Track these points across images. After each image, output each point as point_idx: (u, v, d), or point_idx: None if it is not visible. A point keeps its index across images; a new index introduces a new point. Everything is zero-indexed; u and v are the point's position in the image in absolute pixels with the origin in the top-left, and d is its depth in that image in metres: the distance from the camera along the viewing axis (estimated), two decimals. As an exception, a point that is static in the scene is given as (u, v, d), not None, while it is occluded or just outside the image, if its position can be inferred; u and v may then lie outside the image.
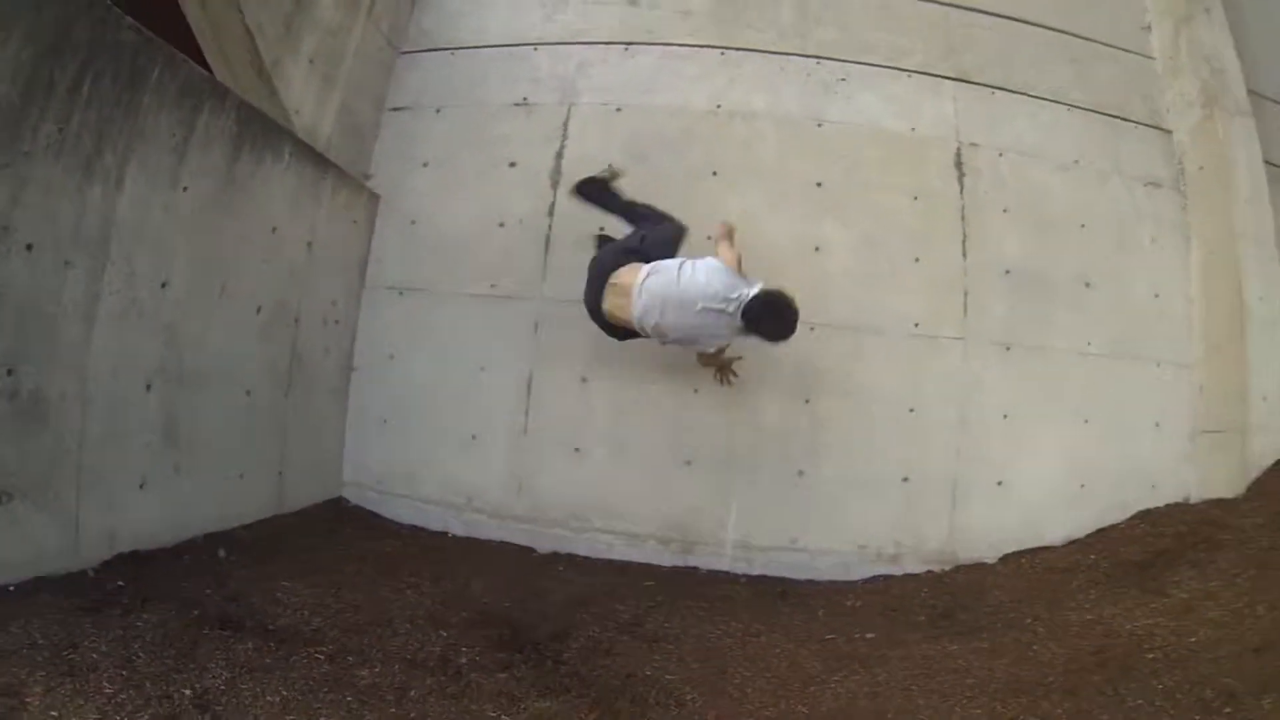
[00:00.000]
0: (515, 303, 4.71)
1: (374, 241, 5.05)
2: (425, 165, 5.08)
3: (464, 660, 3.05)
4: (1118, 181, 4.94)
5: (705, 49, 5.00)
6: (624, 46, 5.06)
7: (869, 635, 3.61)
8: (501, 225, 4.89)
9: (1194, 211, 4.93)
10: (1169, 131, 5.12)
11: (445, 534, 4.58)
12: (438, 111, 5.16)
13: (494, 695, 2.78)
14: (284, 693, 2.59)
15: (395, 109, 5.26)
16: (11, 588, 2.91)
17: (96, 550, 3.32)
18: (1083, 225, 4.83)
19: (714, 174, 4.82)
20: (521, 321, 4.70)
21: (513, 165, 4.96)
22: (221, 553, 3.78)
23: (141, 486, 3.55)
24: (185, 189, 3.67)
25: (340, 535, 4.38)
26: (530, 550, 4.49)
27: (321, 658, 2.86)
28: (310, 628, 3.14)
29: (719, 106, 4.91)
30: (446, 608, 3.56)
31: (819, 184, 4.75)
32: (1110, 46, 5.22)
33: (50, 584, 3.03)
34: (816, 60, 4.93)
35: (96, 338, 3.30)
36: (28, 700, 2.31)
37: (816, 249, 4.69)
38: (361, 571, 3.86)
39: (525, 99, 5.07)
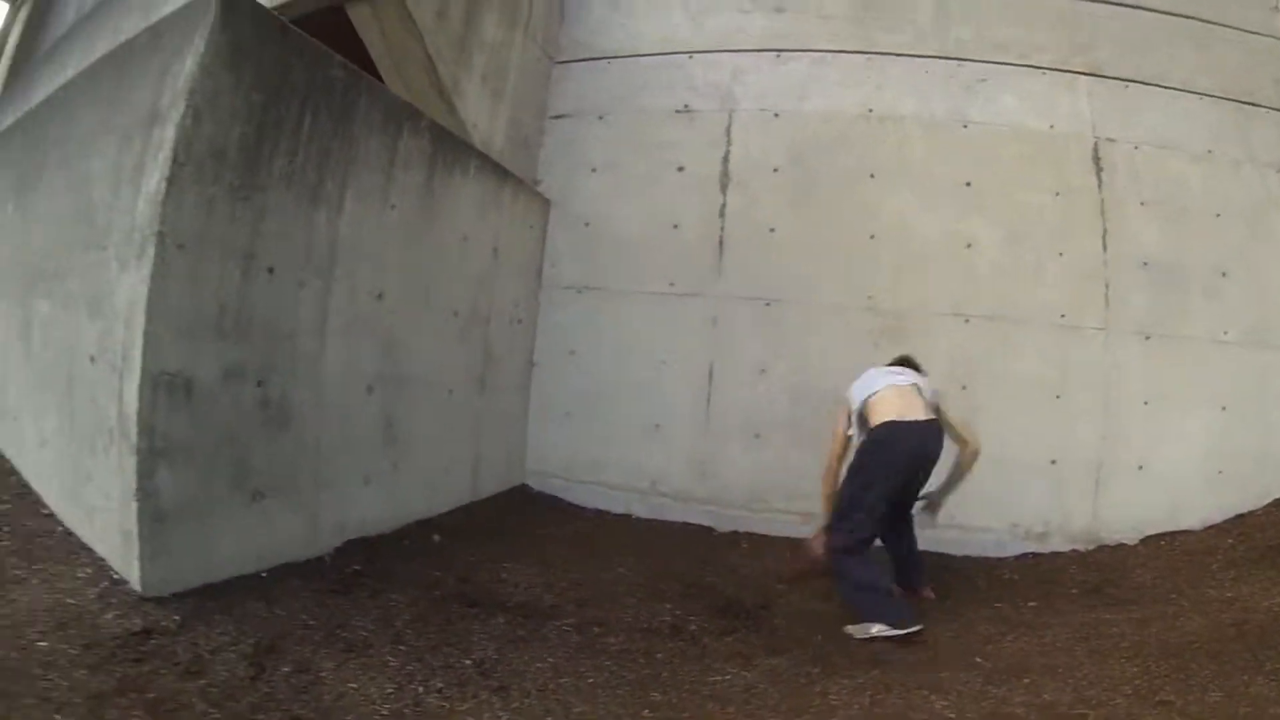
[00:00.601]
0: (693, 299, 4.58)
1: (548, 244, 4.89)
2: (594, 170, 4.92)
3: (693, 627, 3.09)
4: (1250, 169, 4.50)
5: (850, 54, 4.70)
6: (775, 54, 4.79)
7: (1031, 604, 3.53)
8: (676, 227, 4.71)
9: (1330, 197, 4.59)
10: (1302, 114, 4.80)
11: (629, 516, 4.49)
12: (600, 118, 4.99)
13: (728, 655, 2.84)
14: (550, 659, 2.65)
15: (556, 116, 5.09)
16: (264, 574, 2.89)
17: (330, 539, 3.30)
18: (1217, 215, 4.43)
19: (871, 176, 4.57)
20: (700, 317, 4.55)
21: (681, 170, 4.78)
22: (436, 538, 3.74)
23: (366, 482, 3.50)
24: (393, 207, 3.59)
25: (533, 519, 4.34)
26: (710, 530, 4.41)
27: (569, 629, 2.93)
28: (546, 604, 3.18)
29: (870, 111, 4.64)
30: (659, 582, 3.57)
31: (967, 184, 4.49)
32: (1237, 29, 4.71)
33: (295, 570, 3.02)
34: (958, 62, 4.62)
35: (328, 349, 3.24)
36: (322, 675, 2.30)
37: (967, 245, 4.45)
38: (567, 552, 3.85)
39: (686, 106, 4.85)
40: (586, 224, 4.81)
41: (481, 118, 4.34)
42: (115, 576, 2.56)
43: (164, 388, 2.51)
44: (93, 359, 2.78)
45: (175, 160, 2.50)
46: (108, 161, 2.98)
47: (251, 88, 2.78)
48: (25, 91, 7.61)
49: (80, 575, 2.58)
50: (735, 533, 4.39)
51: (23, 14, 16.10)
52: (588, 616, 3.08)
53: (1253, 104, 4.62)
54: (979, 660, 2.83)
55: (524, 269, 4.75)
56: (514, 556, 3.65)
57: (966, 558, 4.16)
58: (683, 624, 3.12)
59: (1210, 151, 4.49)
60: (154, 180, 2.55)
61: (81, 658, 2.13)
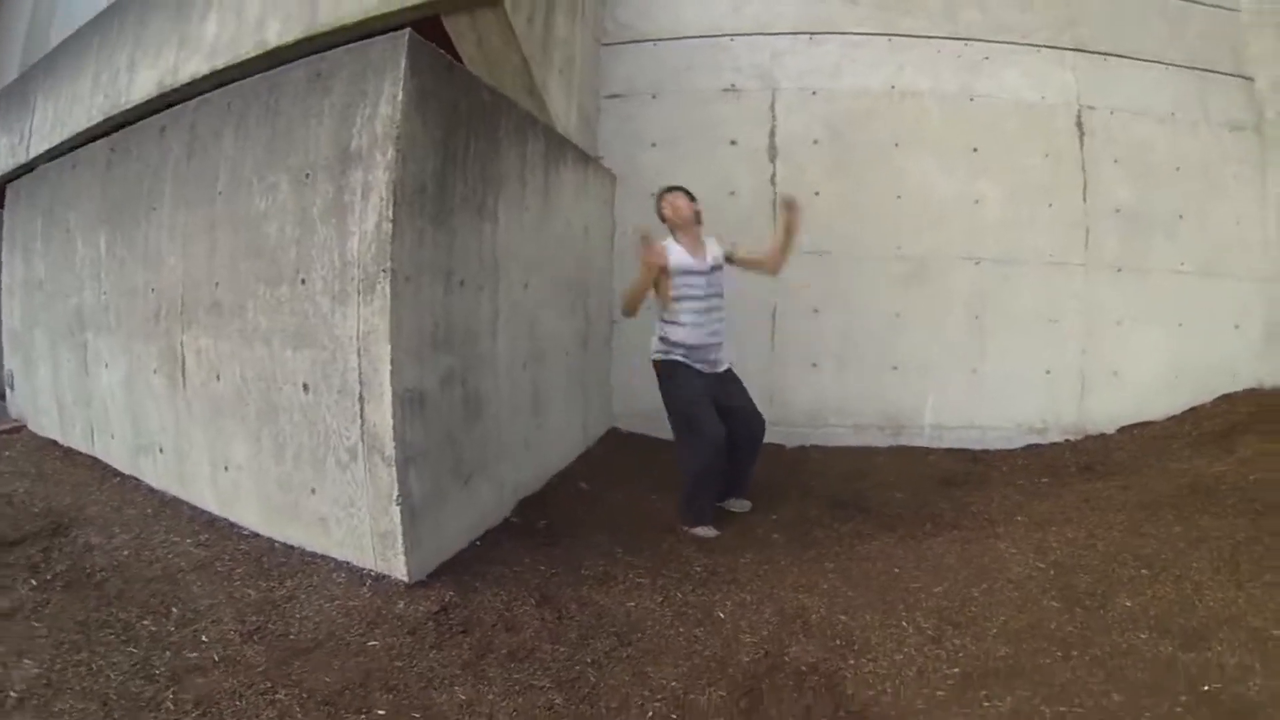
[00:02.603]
0: None
1: (616, 215, 5.04)
2: (654, 145, 5.02)
3: (821, 518, 3.67)
4: (1205, 128, 4.90)
5: (875, 36, 4.88)
6: (809, 36, 4.91)
7: (1043, 480, 4.15)
8: (732, 194, 4.92)
9: (1270, 151, 4.95)
10: (1251, 79, 5.02)
11: None
12: (654, 97, 5.05)
13: (856, 534, 3.44)
14: (745, 556, 3.19)
15: (610, 96, 5.15)
16: (478, 542, 3.15)
17: (509, 501, 3.52)
18: (1177, 169, 4.85)
19: (895, 145, 4.84)
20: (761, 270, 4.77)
21: (733, 143, 4.94)
22: (583, 485, 3.98)
23: (526, 446, 3.69)
24: (527, 208, 3.65)
25: (636, 456, 4.67)
26: (782, 446, 4.76)
27: (737, 535, 3.49)
28: (714, 516, 3.62)
29: (893, 88, 4.86)
30: (772, 491, 4.02)
31: (974, 149, 4.79)
32: (1201, 4, 5.08)
33: (495, 533, 3.29)
34: (965, 42, 4.82)
35: (499, 340, 3.38)
36: (600, 603, 2.70)
37: (976, 202, 4.81)
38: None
39: (733, 85, 4.98)
40: (650, 195, 4.81)
41: (561, 108, 4.32)
42: (374, 573, 2.73)
43: (406, 403, 2.62)
44: (306, 386, 2.84)
45: (395, 201, 2.54)
46: (280, 200, 2.95)
47: (435, 124, 2.80)
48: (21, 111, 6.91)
49: (337, 581, 2.74)
50: (802, 447, 4.81)
51: None
52: (741, 526, 3.57)
53: (1212, 71, 4.99)
54: (1019, 518, 3.46)
55: (603, 240, 4.89)
56: (650, 489, 3.97)
57: (985, 450, 4.66)
58: (813, 518, 3.65)
59: (1173, 114, 4.86)
60: (371, 220, 2.59)
61: (417, 642, 2.35)
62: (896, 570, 2.94)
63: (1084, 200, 4.78)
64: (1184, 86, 4.94)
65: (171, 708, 2.08)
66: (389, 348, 2.55)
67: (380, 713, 2.04)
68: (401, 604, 2.57)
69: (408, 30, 2.71)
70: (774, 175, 4.91)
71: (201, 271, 3.34)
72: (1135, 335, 4.82)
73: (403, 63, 2.62)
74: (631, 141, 5.08)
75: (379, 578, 2.72)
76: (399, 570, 2.66)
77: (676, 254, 3.59)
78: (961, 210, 4.80)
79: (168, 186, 3.61)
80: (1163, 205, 4.86)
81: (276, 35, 3.98)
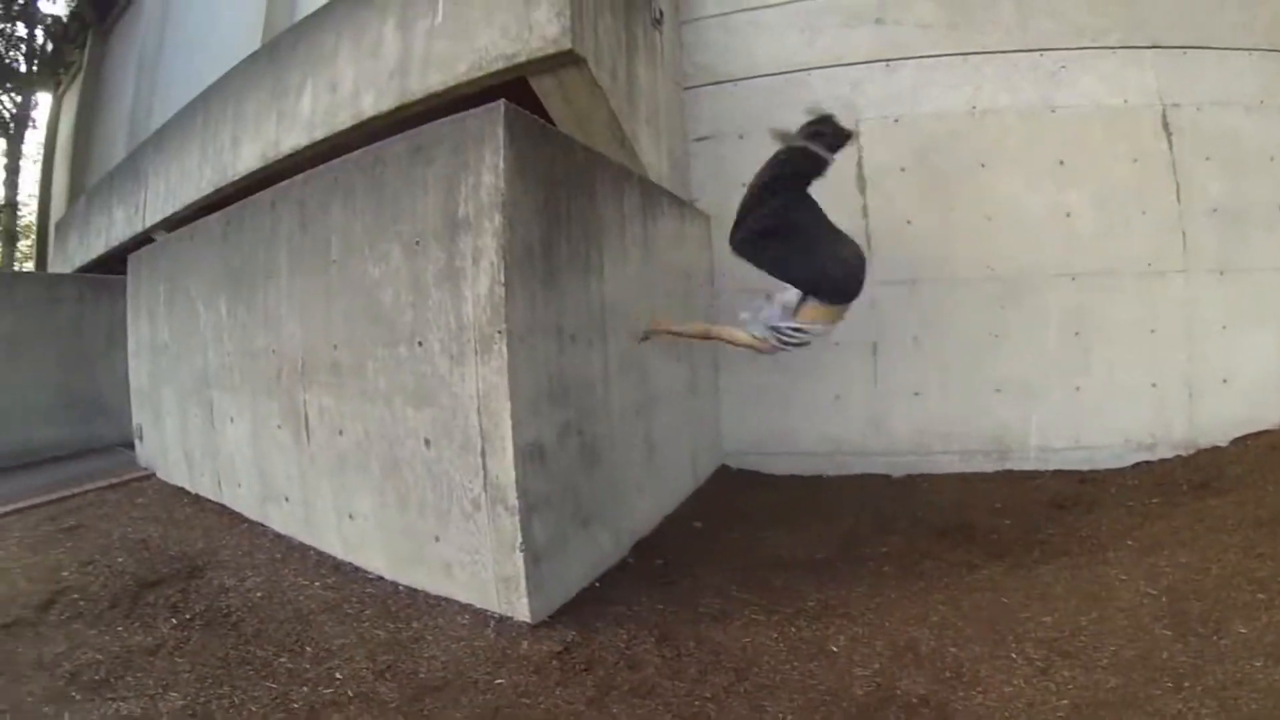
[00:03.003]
0: None
1: (714, 254, 5.11)
2: (744, 185, 4.95)
3: (930, 548, 3.63)
4: None
5: (950, 57, 4.86)
6: (885, 64, 4.95)
7: (1154, 500, 3.98)
8: None
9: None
10: (1335, 55, 4.73)
11: (820, 476, 4.90)
12: (741, 138, 5.13)
13: (963, 563, 3.41)
14: (856, 590, 3.17)
15: (699, 139, 5.28)
16: (596, 583, 3.27)
17: (625, 544, 3.63)
18: (1271, 158, 4.64)
19: (981, 165, 4.78)
20: (860, 303, 4.69)
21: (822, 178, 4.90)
22: (696, 525, 4.07)
23: (639, 490, 3.80)
24: (629, 259, 3.81)
25: (746, 492, 4.75)
26: (888, 476, 4.79)
27: (847, 569, 3.46)
28: (818, 555, 3.67)
29: (974, 108, 4.82)
30: (883, 523, 4.04)
31: (1060, 162, 4.70)
32: None
33: (612, 575, 3.41)
34: (1040, 53, 4.74)
35: (612, 389, 3.51)
36: (718, 640, 2.77)
37: (1067, 215, 4.70)
38: (793, 515, 4.26)
39: None
40: None
41: (652, 157, 4.45)
42: (497, 615, 2.89)
43: (527, 456, 2.76)
44: (428, 441, 3.01)
45: (505, 264, 2.70)
46: (393, 267, 3.14)
47: (536, 188, 2.96)
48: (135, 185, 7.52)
49: (461, 623, 2.91)
50: (909, 476, 4.77)
51: (71, 102, 15.50)
52: (854, 557, 3.58)
53: (1290, 50, 4.76)
54: (1129, 541, 3.38)
55: (704, 280, 5.01)
56: (761, 525, 4.02)
57: (1093, 471, 4.50)
58: (922, 548, 3.61)
59: (1262, 102, 4.64)
60: (484, 284, 2.75)
61: (542, 680, 2.50)
62: (1005, 600, 2.94)
63: (1178, 202, 4.61)
64: (1268, 70, 4.69)
65: None
66: (509, 404, 2.71)
67: None
68: (525, 644, 2.72)
69: (502, 102, 2.88)
70: (865, 206, 4.91)
71: (320, 335, 3.58)
72: (1243, 339, 4.60)
73: (501, 133, 2.79)
74: (724, 182, 5.11)
75: (502, 619, 2.87)
76: (522, 612, 2.81)
77: None
78: (1053, 225, 4.69)
79: (283, 256, 3.89)
80: (1260, 197, 4.62)
81: (371, 105, 4.27)
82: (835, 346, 4.79)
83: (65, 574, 3.81)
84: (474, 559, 2.93)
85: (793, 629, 2.82)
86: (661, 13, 4.84)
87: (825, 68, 5.03)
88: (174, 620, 3.17)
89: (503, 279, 2.71)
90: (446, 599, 3.07)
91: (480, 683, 2.51)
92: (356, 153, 3.53)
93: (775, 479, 4.93)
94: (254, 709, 2.45)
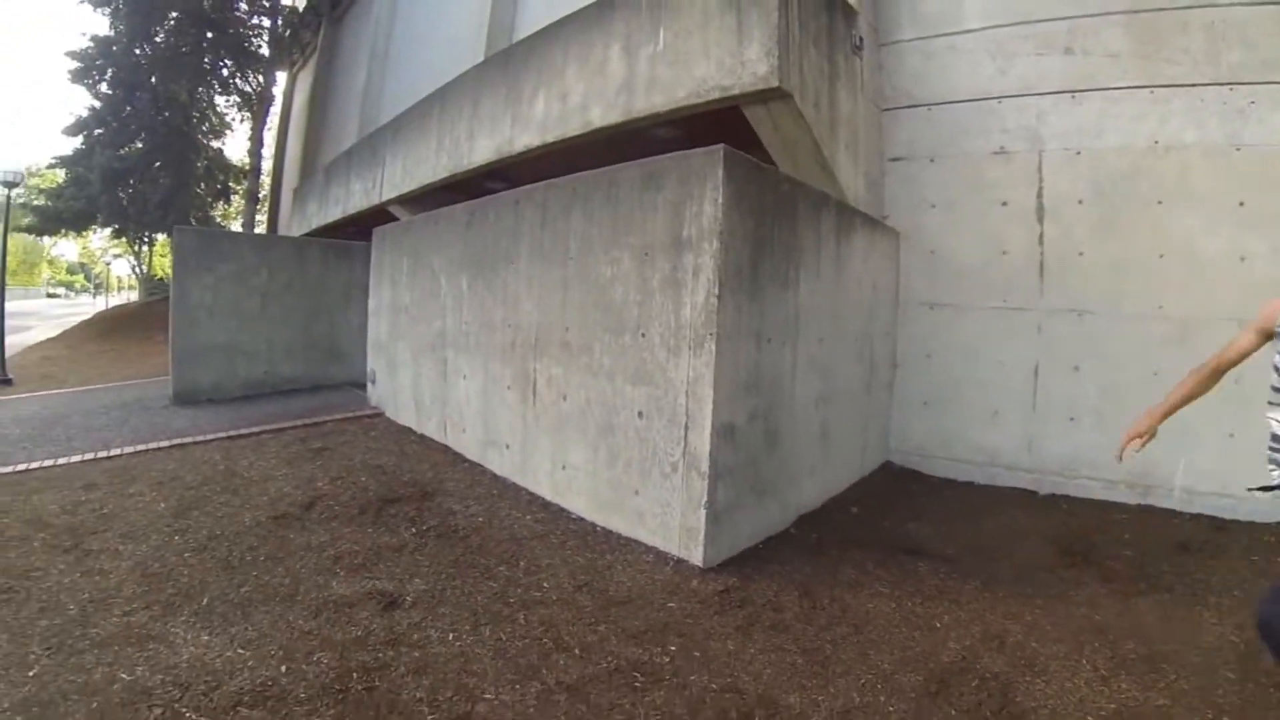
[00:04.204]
0: (1021, 313, 5.27)
1: (901, 270, 5.67)
2: (933, 206, 5.55)
3: (1043, 558, 4.02)
4: None
5: (1136, 90, 4.97)
6: (1071, 95, 5.16)
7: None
8: (1004, 253, 5.33)
9: None
10: None
11: (971, 484, 5.40)
12: (931, 161, 5.64)
13: (1065, 580, 3.72)
14: (973, 582, 3.66)
15: (894, 159, 5.75)
16: (760, 545, 3.99)
17: (790, 517, 4.31)
18: None
19: (1159, 203, 4.89)
20: (1027, 327, 5.12)
21: (1004, 205, 5.34)
22: (854, 510, 4.66)
23: (810, 473, 4.49)
24: (822, 275, 4.45)
25: (903, 489, 5.28)
26: (1034, 494, 5.17)
27: (973, 567, 3.91)
28: (949, 552, 4.14)
29: (1156, 143, 4.91)
30: (1017, 534, 4.43)
31: (1241, 203, 4.73)
32: None
33: (775, 541, 4.12)
34: (1230, 87, 4.76)
35: (797, 385, 4.20)
36: (847, 602, 3.38)
37: (1242, 259, 4.73)
38: (940, 513, 4.76)
39: (1002, 148, 5.36)
40: (931, 252, 5.47)
41: (849, 179, 4.94)
42: (673, 558, 3.72)
43: (720, 434, 3.52)
44: (641, 414, 3.84)
45: (719, 281, 3.44)
46: (623, 270, 3.98)
47: (748, 217, 3.67)
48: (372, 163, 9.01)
49: (646, 560, 3.75)
50: (1053, 495, 5.07)
51: (305, 81, 18.47)
52: (979, 557, 4.02)
53: None
54: (1235, 592, 3.56)
55: (889, 293, 5.53)
56: (909, 519, 4.56)
57: (1234, 521, 4.55)
58: (1042, 562, 3.97)
59: None
60: (701, 295, 3.51)
61: (704, 609, 3.28)
62: (1097, 617, 3.28)
63: (1370, 247, 4.45)
64: None
65: (523, 624, 3.15)
66: (711, 391, 3.49)
67: (672, 648, 2.93)
68: (695, 582, 3.51)
69: (723, 146, 3.59)
70: (1041, 235, 5.20)
71: (554, 316, 4.52)
72: None
73: (720, 171, 3.53)
74: (913, 202, 5.67)
75: (679, 561, 3.70)
76: (696, 558, 3.61)
77: None
78: (1227, 268, 4.70)
79: (524, 247, 4.86)
80: None
81: (599, 118, 5.09)
82: (1000, 365, 5.21)
83: (319, 484, 5.02)
84: (664, 511, 3.76)
85: (909, 604, 3.37)
86: (861, 39, 5.31)
87: (1014, 96, 5.32)
88: (413, 529, 4.22)
89: (716, 292, 3.47)
90: (635, 540, 3.94)
91: (656, 604, 3.30)
92: (594, 171, 4.38)
93: (931, 480, 5.43)
94: (479, 599, 3.37)
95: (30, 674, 2.76)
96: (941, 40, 5.66)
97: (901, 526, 4.44)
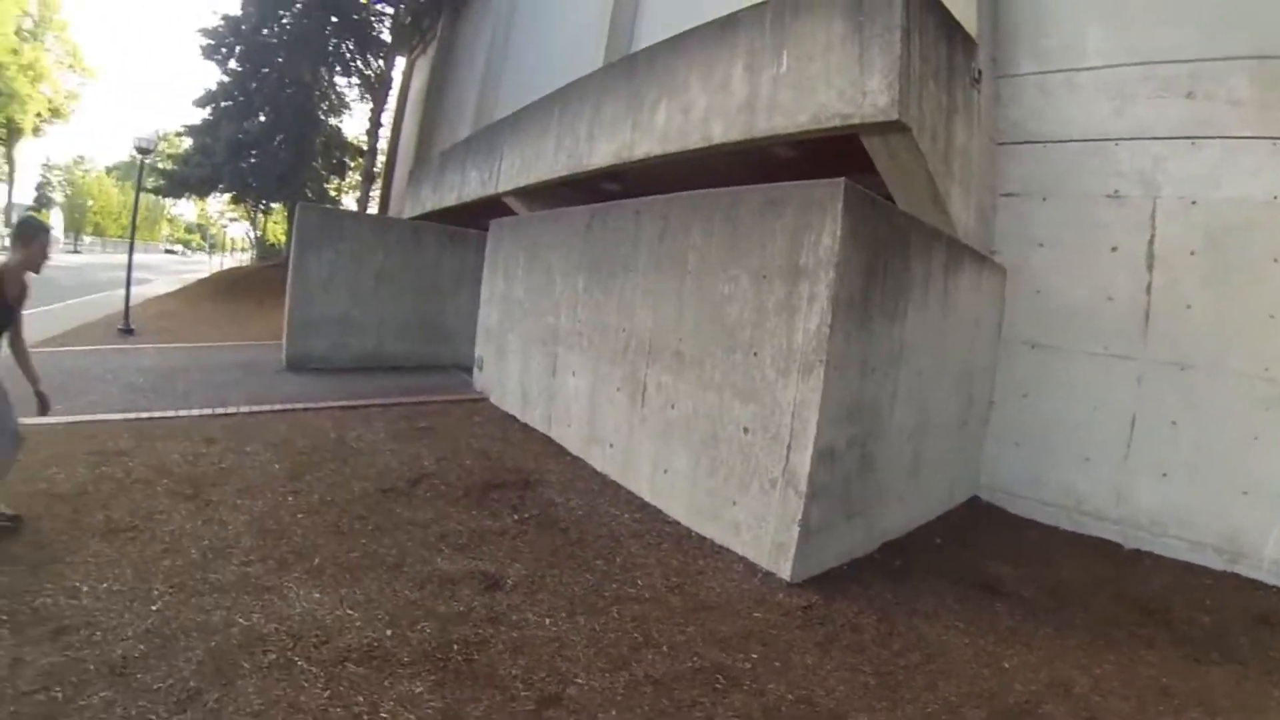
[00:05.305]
0: (1123, 361, 5.27)
1: (1005, 307, 5.74)
2: (1041, 245, 5.59)
3: (1119, 614, 4.07)
4: None
5: (1258, 140, 4.86)
6: (1190, 141, 5.10)
7: None
8: (1110, 299, 5.32)
9: None
10: None
11: (1055, 528, 5.46)
12: (1044, 200, 5.68)
13: (1139, 638, 3.77)
14: (1047, 628, 3.79)
15: (1006, 195, 5.87)
16: (845, 567, 4.22)
17: (875, 542, 4.51)
18: None
19: (1275, 260, 4.78)
20: (1127, 375, 5.14)
21: (1114, 250, 5.32)
22: (937, 540, 4.82)
23: (899, 500, 4.68)
24: (929, 308, 4.62)
25: (987, 526, 5.38)
26: (1119, 546, 5.18)
27: (1052, 609, 4.06)
28: (1027, 593, 4.21)
29: (1276, 198, 4.80)
30: (1093, 586, 4.45)
31: None
32: None
33: (859, 564, 4.32)
34: None
35: (894, 415, 4.41)
36: (922, 630, 3.61)
37: None
38: (1019, 553, 4.86)
39: (1116, 191, 5.34)
40: (1037, 291, 5.53)
41: (960, 212, 5.05)
42: (762, 570, 3.99)
43: (820, 456, 3.77)
44: (746, 429, 4.12)
45: (833, 310, 3.69)
46: (740, 291, 4.26)
47: (863, 249, 3.89)
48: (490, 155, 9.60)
49: (736, 569, 4.04)
50: (1138, 550, 5.06)
51: (423, 67, 19.73)
52: (1056, 604, 4.09)
53: None
54: None
55: (991, 329, 5.72)
56: (990, 556, 4.67)
57: None
58: (1117, 617, 4.00)
59: None
60: (814, 322, 3.76)
61: (787, 621, 3.55)
62: (1164, 680, 3.34)
63: None
64: None
65: (616, 617, 3.45)
66: (816, 415, 3.76)
67: (754, 656, 3.18)
68: (780, 595, 3.78)
69: (844, 181, 3.81)
70: (1150, 284, 5.16)
71: (669, 326, 4.83)
72: None
73: (840, 205, 3.76)
74: (1023, 239, 5.71)
75: (768, 574, 3.97)
76: (785, 572, 3.89)
77: None
78: None
79: (642, 256, 5.20)
80: None
81: (720, 134, 5.31)
82: (1095, 412, 5.24)
83: (425, 463, 5.45)
84: (759, 524, 4.04)
85: (981, 641, 3.53)
86: (980, 72, 5.33)
87: (1130, 139, 5.27)
88: (515, 515, 4.59)
89: (829, 321, 3.72)
90: (728, 549, 4.23)
91: (742, 612, 3.55)
92: (715, 190, 4.67)
93: (1016, 520, 5.51)
94: (575, 589, 3.69)
95: (153, 608, 3.16)
96: (1060, 76, 5.66)
97: (982, 562, 4.57)
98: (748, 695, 2.92)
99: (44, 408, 3.92)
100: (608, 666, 3.05)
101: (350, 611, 3.31)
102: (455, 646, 3.10)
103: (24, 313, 3.84)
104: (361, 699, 2.71)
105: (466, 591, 3.58)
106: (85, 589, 3.30)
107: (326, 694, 2.73)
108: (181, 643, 2.95)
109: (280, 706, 2.63)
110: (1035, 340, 5.64)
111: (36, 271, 3.82)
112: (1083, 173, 5.44)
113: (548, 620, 3.39)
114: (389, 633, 3.17)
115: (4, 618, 2.99)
